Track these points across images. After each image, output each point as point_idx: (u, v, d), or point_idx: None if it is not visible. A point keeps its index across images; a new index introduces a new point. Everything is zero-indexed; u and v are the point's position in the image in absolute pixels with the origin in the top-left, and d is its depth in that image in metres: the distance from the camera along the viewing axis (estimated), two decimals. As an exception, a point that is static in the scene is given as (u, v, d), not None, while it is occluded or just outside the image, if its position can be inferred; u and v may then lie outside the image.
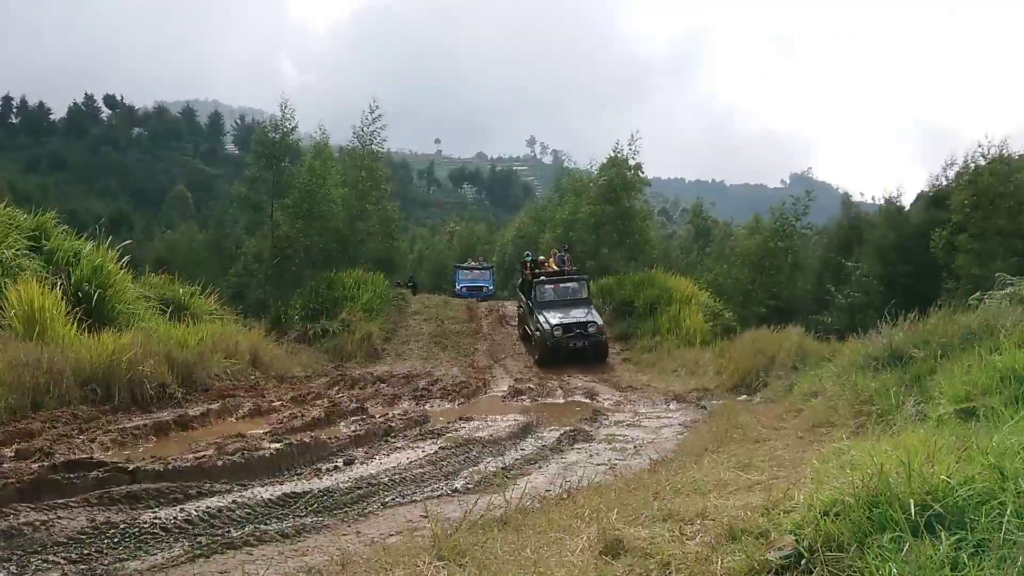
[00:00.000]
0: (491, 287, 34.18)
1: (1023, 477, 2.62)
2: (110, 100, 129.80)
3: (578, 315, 19.03)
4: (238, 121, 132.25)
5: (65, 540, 4.40)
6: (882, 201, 35.98)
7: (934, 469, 2.77)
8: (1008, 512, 2.42)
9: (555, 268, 22.41)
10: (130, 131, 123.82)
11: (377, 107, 29.43)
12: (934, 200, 30.73)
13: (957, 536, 2.40)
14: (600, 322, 19.32)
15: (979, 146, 27.86)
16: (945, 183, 30.68)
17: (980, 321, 7.44)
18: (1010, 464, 2.74)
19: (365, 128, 29.36)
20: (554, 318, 18.77)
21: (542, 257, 24.60)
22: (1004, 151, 27.71)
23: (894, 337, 8.25)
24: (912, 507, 2.51)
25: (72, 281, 12.28)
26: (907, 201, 35.79)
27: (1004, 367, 5.44)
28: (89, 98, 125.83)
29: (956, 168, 30.12)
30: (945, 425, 4.72)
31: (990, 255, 23.92)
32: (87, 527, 4.62)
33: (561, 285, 20.32)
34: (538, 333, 18.77)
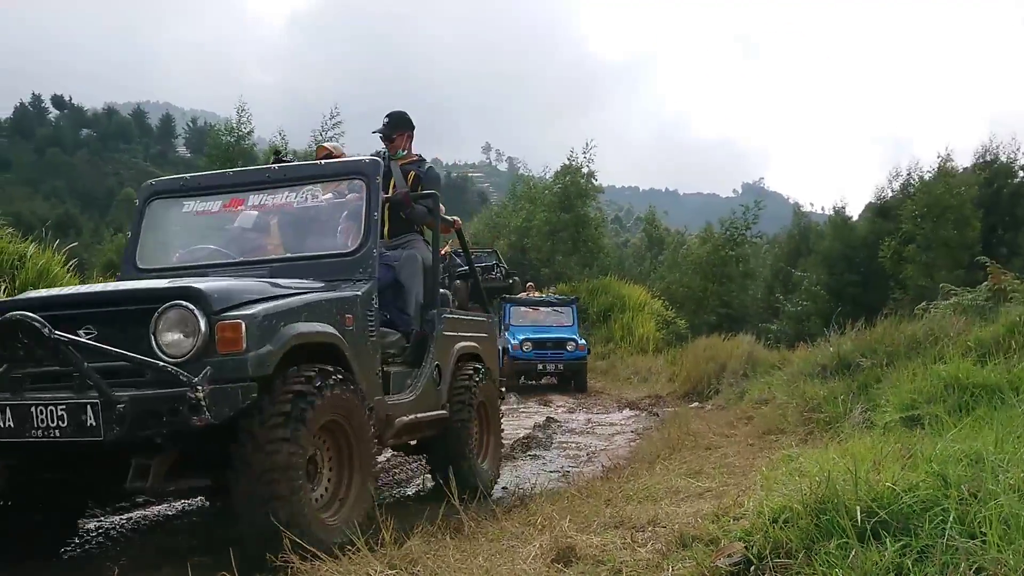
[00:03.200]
0: (579, 337, 16.35)
1: (965, 484, 2.67)
2: (58, 100, 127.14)
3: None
4: (190, 124, 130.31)
5: None
6: (831, 211, 36.61)
7: (880, 476, 2.82)
8: (951, 519, 2.47)
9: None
10: (78, 132, 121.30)
11: (338, 112, 29.12)
12: (880, 211, 31.34)
13: (902, 542, 2.44)
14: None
15: (917, 160, 28.65)
16: (891, 194, 31.33)
17: (925, 330, 7.59)
18: (953, 471, 2.80)
19: (324, 132, 29.12)
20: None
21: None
22: (949, 163, 28.41)
23: (842, 346, 8.38)
24: (858, 514, 2.55)
25: (17, 285, 11.98)
26: (854, 211, 36.48)
27: (948, 376, 5.56)
28: (36, 98, 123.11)
29: (901, 179, 30.81)
30: (891, 433, 4.80)
31: (936, 266, 24.45)
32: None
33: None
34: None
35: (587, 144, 30.04)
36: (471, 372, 5.78)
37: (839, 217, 34.51)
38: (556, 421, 10.93)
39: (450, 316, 5.66)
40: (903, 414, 5.41)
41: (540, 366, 15.45)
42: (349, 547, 3.47)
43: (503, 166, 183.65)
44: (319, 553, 3.34)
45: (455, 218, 6.10)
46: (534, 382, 16.01)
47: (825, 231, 35.41)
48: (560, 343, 15.57)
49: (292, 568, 3.31)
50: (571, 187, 29.18)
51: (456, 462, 5.28)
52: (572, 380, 15.71)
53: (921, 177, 29.45)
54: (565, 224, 28.59)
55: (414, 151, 6.05)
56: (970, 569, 2.24)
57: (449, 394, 5.48)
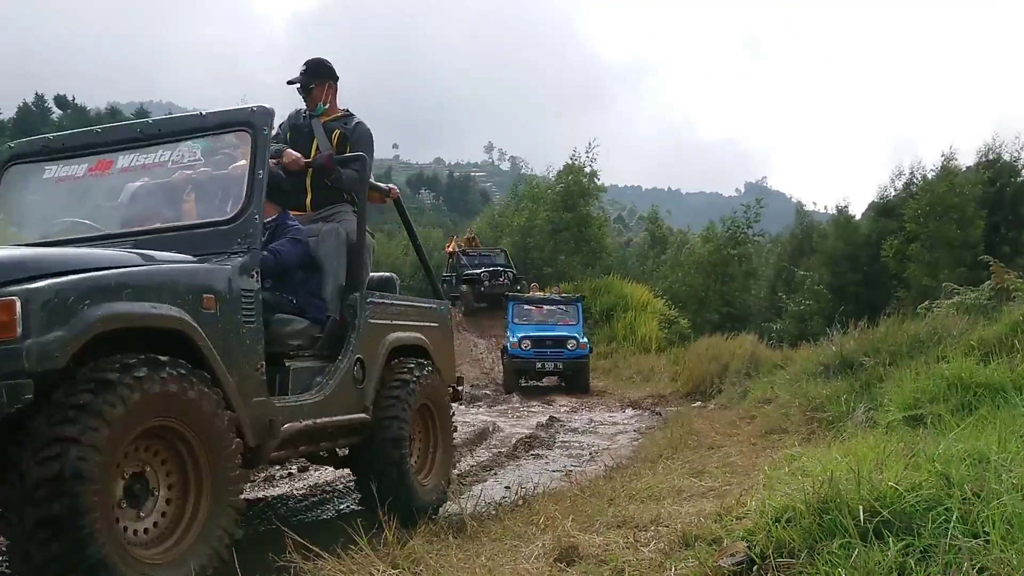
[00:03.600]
0: (581, 336, 15.75)
1: (968, 484, 2.67)
2: (61, 101, 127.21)
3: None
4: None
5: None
6: (834, 210, 36.61)
7: (883, 476, 2.82)
8: (953, 518, 2.46)
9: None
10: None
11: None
12: (883, 210, 31.31)
13: (905, 542, 2.44)
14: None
15: (919, 159, 28.77)
16: (894, 193, 31.30)
17: (928, 330, 7.59)
18: (956, 471, 2.79)
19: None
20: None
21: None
22: (952, 162, 28.36)
23: (845, 345, 8.38)
24: (861, 513, 2.54)
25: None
26: (857, 210, 36.48)
27: (951, 375, 5.55)
28: (39, 98, 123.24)
29: (904, 178, 30.78)
30: (894, 432, 4.80)
31: (939, 265, 24.41)
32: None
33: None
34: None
35: (590, 143, 30.09)
36: (409, 368, 4.87)
37: (842, 216, 34.48)
38: (559, 420, 10.93)
39: (380, 301, 4.79)
40: (906, 413, 5.40)
41: (539, 365, 15.03)
42: (352, 546, 3.47)
43: (506, 165, 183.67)
44: (322, 552, 3.32)
45: (391, 186, 5.41)
46: (534, 382, 15.69)
47: (828, 230, 35.38)
48: (560, 341, 15.14)
49: (295, 568, 3.31)
50: (574, 186, 29.18)
51: (384, 476, 4.52)
52: (573, 380, 15.31)
53: (924, 176, 29.42)
54: (568, 223, 28.58)
55: (340, 106, 5.16)
56: (973, 569, 2.24)
57: (377, 395, 4.62)
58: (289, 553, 3.33)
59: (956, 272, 20.92)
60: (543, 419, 10.84)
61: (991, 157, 30.00)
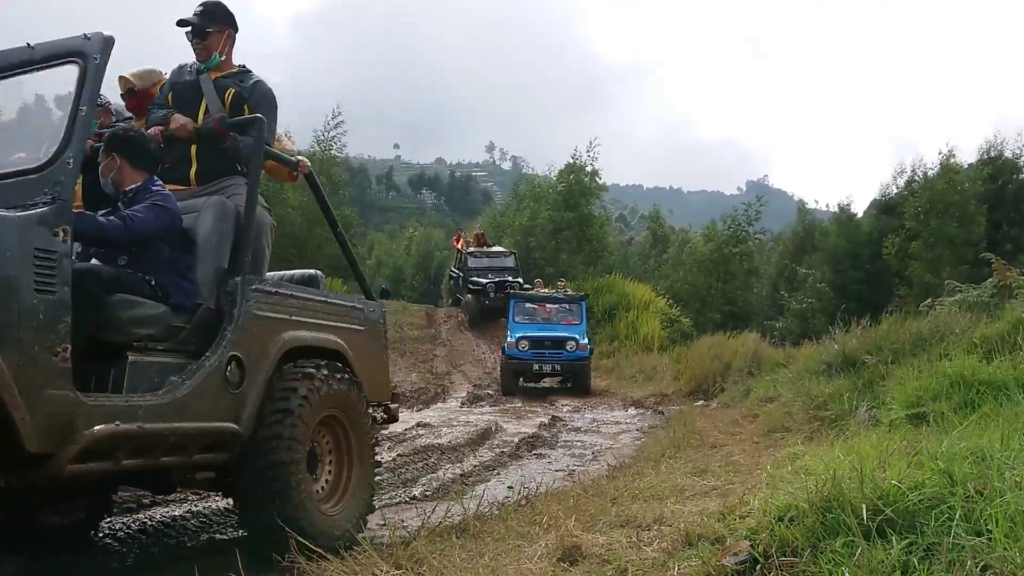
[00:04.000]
0: (582, 336, 15.31)
1: (971, 482, 2.67)
2: (62, 102, 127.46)
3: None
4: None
5: None
6: (836, 208, 36.66)
7: (886, 474, 2.82)
8: (957, 517, 2.46)
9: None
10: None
11: (340, 112, 29.12)
12: (885, 207, 31.33)
13: (908, 540, 2.44)
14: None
15: (920, 157, 28.85)
16: (896, 191, 31.32)
17: (930, 327, 7.59)
18: (959, 469, 2.79)
19: (326, 133, 29.11)
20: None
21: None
22: (951, 159, 28.37)
23: (847, 343, 8.38)
24: (864, 512, 2.54)
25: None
26: (859, 208, 36.51)
27: (953, 373, 5.54)
28: (40, 99, 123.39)
29: (906, 176, 30.79)
30: (896, 430, 4.80)
31: (941, 262, 24.44)
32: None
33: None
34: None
35: (591, 143, 30.13)
36: (307, 374, 3.93)
37: (844, 214, 34.54)
38: (561, 420, 10.94)
39: (272, 291, 3.93)
40: (908, 411, 5.40)
41: (536, 367, 14.47)
42: (355, 546, 3.47)
43: (507, 165, 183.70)
44: (326, 553, 3.33)
45: (301, 158, 4.54)
46: (532, 384, 15.22)
47: (830, 228, 35.44)
48: (559, 342, 14.59)
49: (298, 568, 3.32)
50: (575, 186, 29.21)
51: (267, 502, 3.65)
52: (572, 382, 14.91)
53: (925, 174, 29.41)
54: (569, 223, 28.60)
55: (236, 62, 4.34)
56: (976, 567, 2.24)
57: (261, 402, 3.73)
58: (292, 553, 3.34)
59: (958, 270, 20.95)
60: (545, 418, 10.85)
61: (992, 154, 30.01)
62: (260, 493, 3.68)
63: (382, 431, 9.25)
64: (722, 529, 3.06)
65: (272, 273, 4.60)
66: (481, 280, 22.07)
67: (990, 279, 8.89)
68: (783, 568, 2.53)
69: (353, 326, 4.54)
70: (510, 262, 23.80)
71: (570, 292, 18.90)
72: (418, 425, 9.99)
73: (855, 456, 3.23)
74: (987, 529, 2.41)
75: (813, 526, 2.62)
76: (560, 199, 29.29)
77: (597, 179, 29.88)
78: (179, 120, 3.98)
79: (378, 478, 6.53)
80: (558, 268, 27.75)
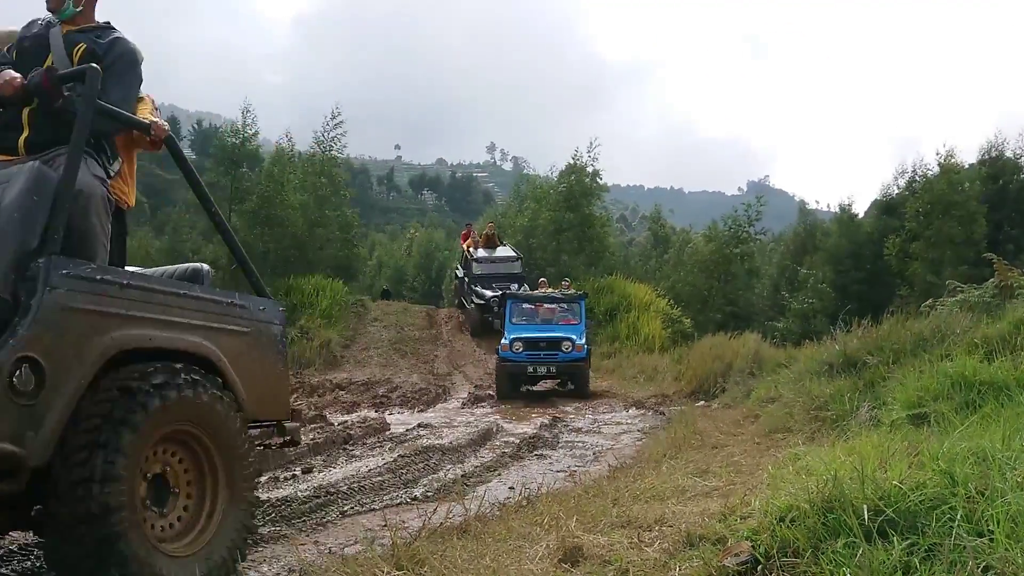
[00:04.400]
0: (580, 336, 14.50)
1: (973, 482, 2.67)
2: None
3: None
4: (195, 126, 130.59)
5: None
6: (837, 209, 36.68)
7: (887, 475, 2.82)
8: (958, 517, 2.46)
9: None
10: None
11: (339, 113, 29.13)
12: (886, 208, 31.33)
13: (909, 541, 2.44)
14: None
15: (921, 157, 28.89)
16: (897, 191, 31.32)
17: (931, 328, 7.58)
18: (960, 470, 2.79)
19: (326, 134, 29.08)
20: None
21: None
22: (950, 159, 28.36)
23: (848, 343, 8.37)
24: (865, 512, 2.54)
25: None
26: (860, 209, 36.54)
27: (954, 374, 5.55)
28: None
29: (907, 176, 30.79)
30: (898, 431, 4.80)
31: (942, 262, 24.43)
32: None
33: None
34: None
35: (591, 143, 30.10)
36: (135, 380, 3.09)
37: (845, 215, 34.53)
38: (562, 420, 10.94)
39: (92, 277, 3.09)
40: (910, 412, 5.40)
41: (531, 369, 13.86)
42: (356, 547, 3.47)
43: (508, 166, 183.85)
44: (326, 553, 3.32)
45: (158, 120, 3.73)
46: (528, 387, 14.64)
47: (831, 229, 35.46)
48: (555, 343, 13.90)
49: (300, 568, 3.32)
50: (576, 186, 29.17)
51: (73, 541, 2.87)
52: (569, 384, 14.49)
53: (926, 174, 29.40)
54: (570, 223, 28.57)
55: (99, 19, 3.71)
56: (978, 567, 2.24)
57: (69, 418, 2.90)
58: (294, 553, 3.34)
59: (959, 270, 20.93)
60: (546, 419, 10.85)
61: (994, 154, 30.00)
62: (68, 534, 2.89)
63: (376, 437, 9.25)
64: (723, 530, 3.06)
65: (155, 269, 4.02)
66: (486, 293, 21.25)
67: (991, 279, 8.88)
68: (784, 569, 2.53)
69: (231, 327, 3.75)
70: (517, 267, 23.05)
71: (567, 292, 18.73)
72: (419, 426, 9.99)
73: (856, 457, 3.23)
74: (988, 530, 2.41)
75: (814, 527, 2.62)
76: (561, 200, 29.26)
77: (598, 179, 29.85)
78: (4, 76, 3.30)
79: (379, 479, 6.55)
80: (559, 269, 27.72)
